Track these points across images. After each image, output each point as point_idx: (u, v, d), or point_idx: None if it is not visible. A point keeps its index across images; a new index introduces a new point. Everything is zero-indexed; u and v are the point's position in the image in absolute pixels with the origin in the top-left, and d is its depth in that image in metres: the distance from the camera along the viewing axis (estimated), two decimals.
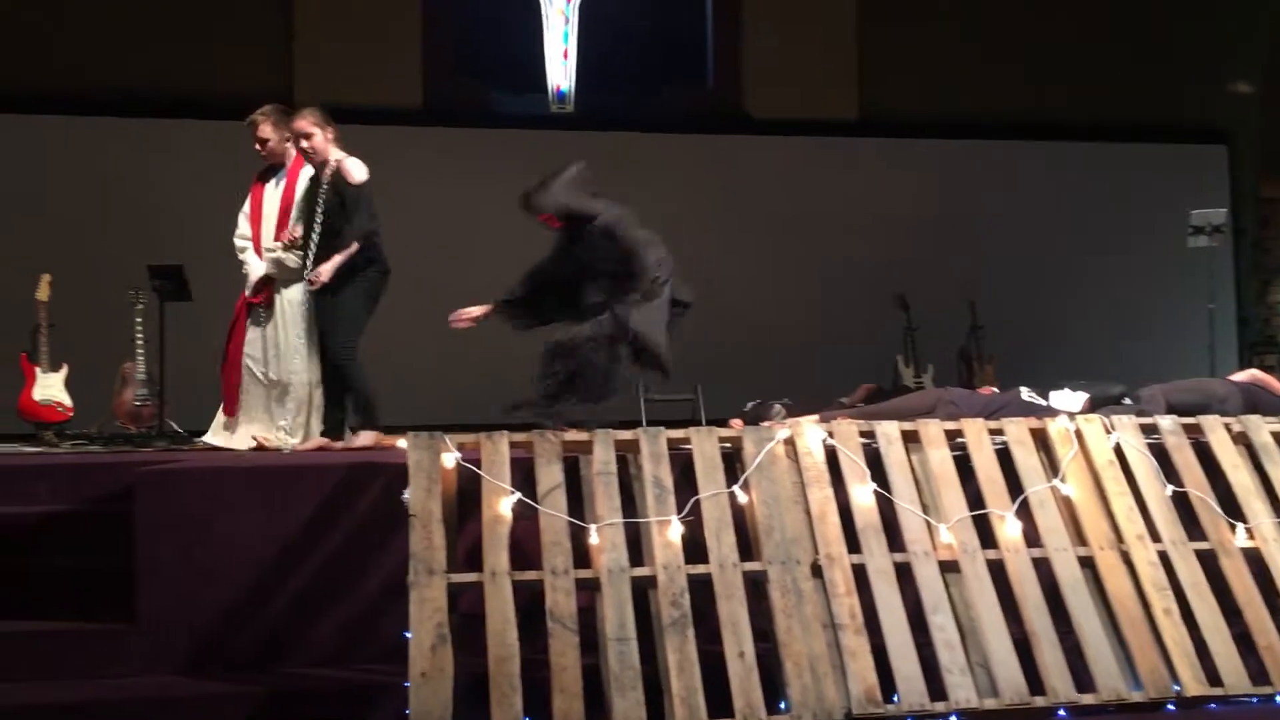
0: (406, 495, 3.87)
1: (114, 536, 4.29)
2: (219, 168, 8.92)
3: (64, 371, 7.27)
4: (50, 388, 7.21)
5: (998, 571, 4.05)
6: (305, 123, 5.77)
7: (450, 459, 3.98)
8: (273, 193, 5.98)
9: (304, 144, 5.77)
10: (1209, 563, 4.19)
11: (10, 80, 8.97)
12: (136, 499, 4.14)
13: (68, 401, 7.21)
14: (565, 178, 5.26)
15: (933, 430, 4.34)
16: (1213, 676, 3.92)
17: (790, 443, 4.23)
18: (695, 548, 3.94)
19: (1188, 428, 4.58)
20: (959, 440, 4.37)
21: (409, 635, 3.62)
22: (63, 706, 3.73)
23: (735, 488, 4.07)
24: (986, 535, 4.13)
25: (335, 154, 5.79)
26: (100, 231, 8.66)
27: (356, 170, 5.72)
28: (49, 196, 8.82)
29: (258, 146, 5.93)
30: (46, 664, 3.96)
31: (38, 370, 7.23)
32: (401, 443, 4.04)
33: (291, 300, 5.89)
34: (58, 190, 8.82)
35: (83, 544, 4.50)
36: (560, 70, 9.89)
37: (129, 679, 3.94)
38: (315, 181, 5.85)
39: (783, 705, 3.70)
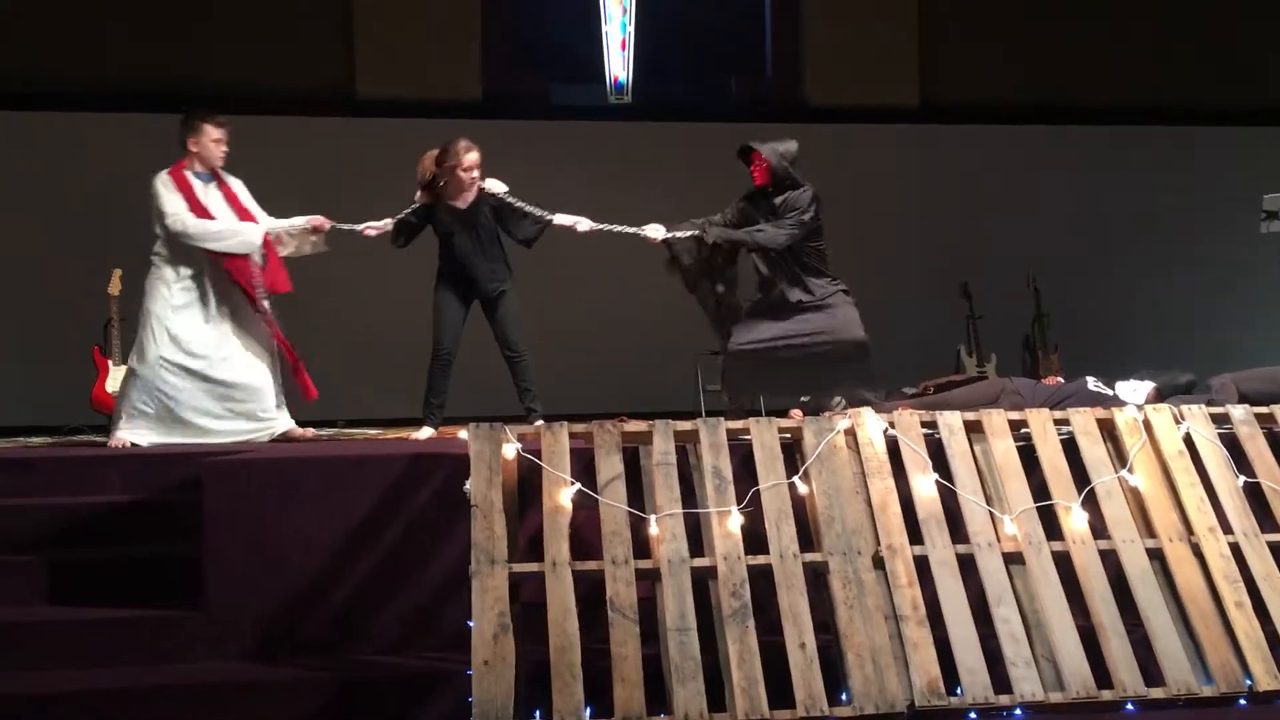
0: (468, 486, 3.91)
1: (183, 525, 4.38)
2: (284, 162, 9.07)
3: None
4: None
5: (1063, 563, 4.00)
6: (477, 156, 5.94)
7: (511, 450, 4.01)
8: (214, 192, 5.95)
9: (474, 174, 5.93)
10: None
11: (82, 79, 9.16)
12: (205, 489, 4.22)
13: None
14: (788, 147, 5.62)
15: (996, 420, 4.30)
16: None
17: (851, 433, 4.20)
18: (755, 538, 3.94)
19: (1260, 417, 4.48)
20: (1023, 430, 4.32)
21: (471, 624, 3.65)
22: (132, 691, 3.82)
23: (795, 478, 4.06)
24: (1052, 527, 4.08)
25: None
26: None
27: (499, 185, 6.01)
28: (120, 192, 8.99)
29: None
30: (117, 649, 4.05)
31: (110, 363, 7.39)
32: (463, 434, 4.07)
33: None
34: (129, 186, 8.97)
35: (153, 533, 4.60)
36: (618, 61, 9.89)
37: (197, 664, 4.03)
38: (458, 214, 5.97)
39: (844, 696, 3.69)
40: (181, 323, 5.76)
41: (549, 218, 5.91)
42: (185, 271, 5.78)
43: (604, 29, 9.87)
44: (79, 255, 8.61)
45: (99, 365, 7.40)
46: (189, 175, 5.86)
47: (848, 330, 5.43)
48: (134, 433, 5.67)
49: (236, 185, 6.00)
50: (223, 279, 5.80)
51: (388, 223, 6.02)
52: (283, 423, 5.90)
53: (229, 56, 9.35)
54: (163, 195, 5.77)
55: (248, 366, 5.82)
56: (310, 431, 6.09)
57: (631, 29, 9.87)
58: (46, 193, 8.99)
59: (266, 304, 5.85)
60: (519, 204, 5.91)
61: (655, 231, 5.64)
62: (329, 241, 6.10)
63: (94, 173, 9.01)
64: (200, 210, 5.78)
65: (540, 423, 5.15)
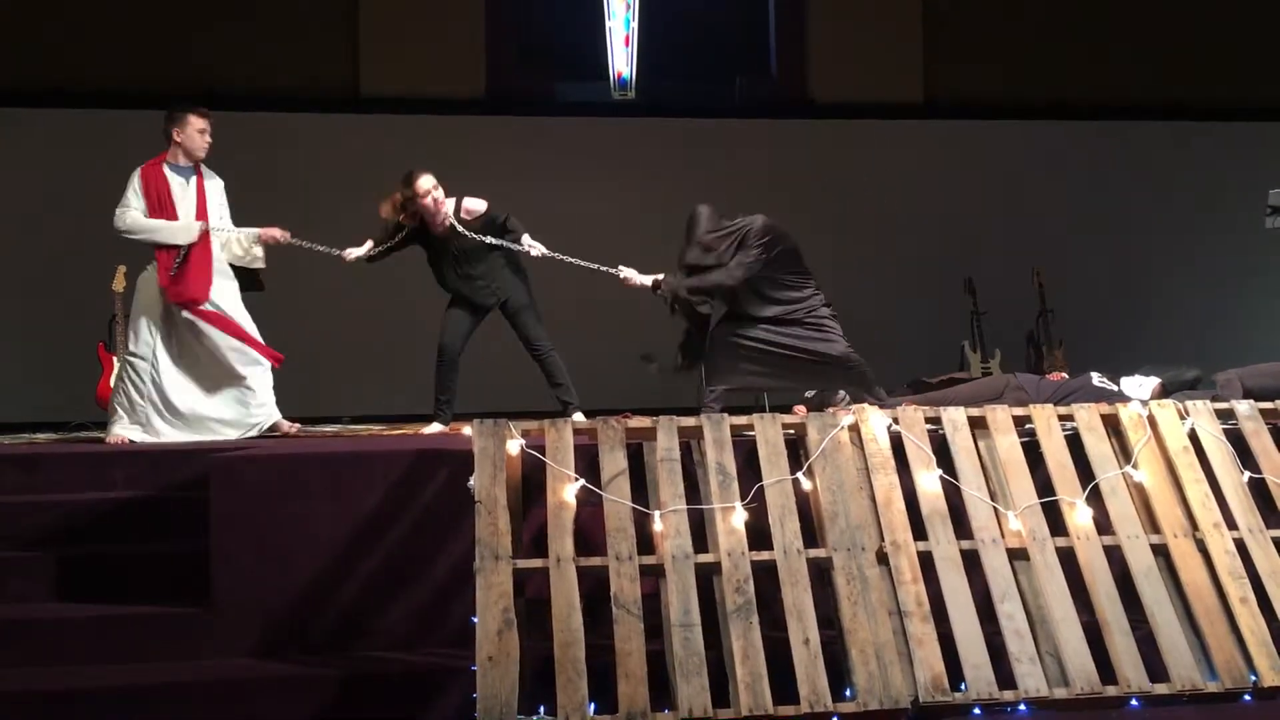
0: (472, 482, 3.91)
1: (189, 522, 4.39)
2: (288, 159, 9.09)
3: None
4: None
5: (1068, 559, 4.00)
6: (435, 188, 5.95)
7: (515, 446, 4.02)
8: (189, 188, 5.97)
9: (434, 196, 5.95)
10: None
11: (85, 75, 9.18)
12: (211, 486, 4.23)
13: None
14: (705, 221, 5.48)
15: (1000, 416, 4.29)
16: None
17: (855, 429, 4.20)
18: (759, 534, 3.94)
19: (1265, 413, 4.48)
20: (1028, 426, 4.32)
21: (476, 620, 3.66)
22: (139, 688, 3.83)
23: (799, 474, 4.06)
24: (1056, 523, 4.08)
25: (447, 205, 6.03)
26: None
27: (477, 203, 6.06)
28: (123, 189, 9.01)
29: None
30: (123, 647, 4.06)
31: (114, 359, 7.40)
32: (467, 430, 4.07)
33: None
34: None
35: (158, 530, 4.61)
36: (622, 57, 9.88)
37: (204, 661, 4.04)
38: (438, 239, 6.04)
39: (848, 692, 3.69)
40: (170, 318, 5.80)
41: (515, 247, 6.00)
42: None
43: (608, 25, 9.86)
44: (83, 252, 8.62)
45: (103, 362, 7.42)
46: (166, 170, 5.90)
47: (831, 350, 5.35)
48: (129, 429, 5.71)
49: (213, 187, 6.02)
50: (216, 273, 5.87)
51: (368, 246, 6.08)
52: (271, 415, 5.95)
53: (233, 54, 9.36)
54: (127, 189, 5.88)
55: (236, 360, 5.86)
56: (295, 427, 6.12)
57: (635, 25, 9.86)
58: (50, 189, 9.00)
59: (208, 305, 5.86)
60: (485, 239, 5.94)
61: (627, 273, 5.71)
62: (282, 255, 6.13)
63: (97, 169, 8.99)
64: (162, 209, 5.84)
65: (579, 416, 5.18)
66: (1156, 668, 3.81)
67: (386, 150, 9.14)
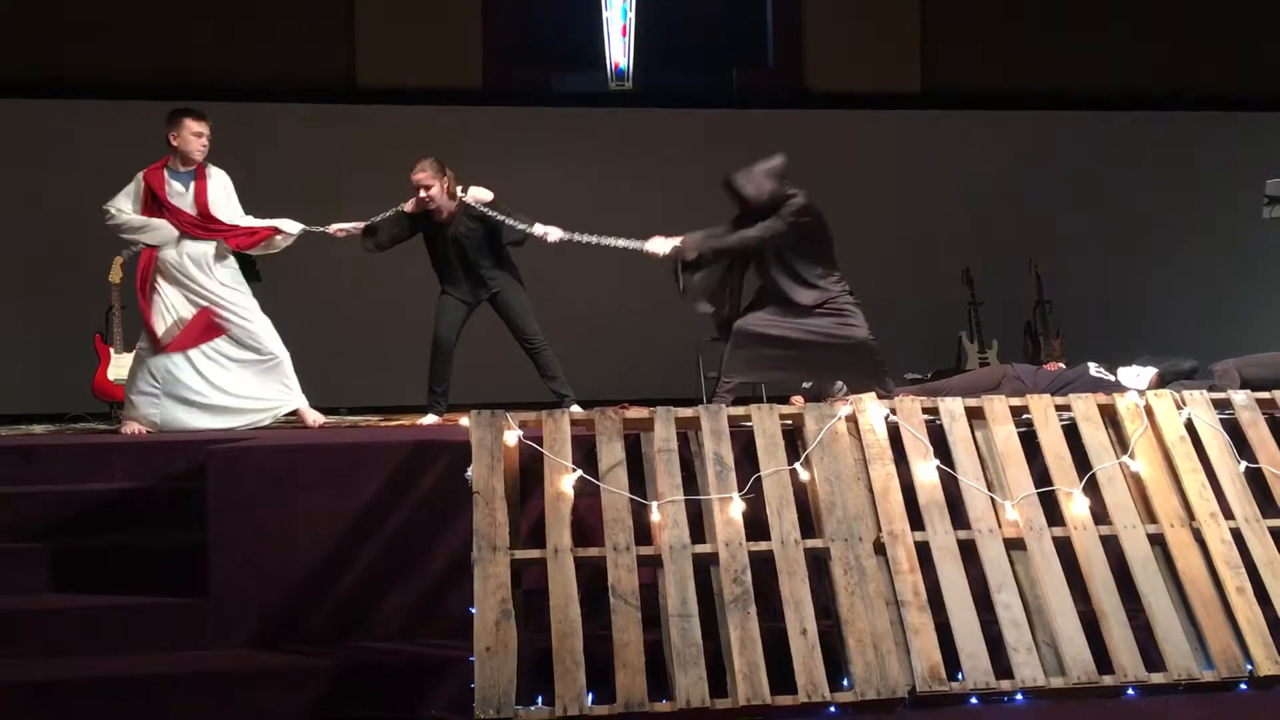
0: (470, 473, 3.91)
1: (187, 513, 4.39)
2: (285, 150, 9.07)
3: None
4: (123, 368, 7.36)
5: (1065, 549, 4.01)
6: (424, 175, 5.97)
7: (512, 437, 4.02)
8: (187, 190, 5.97)
9: (424, 191, 5.97)
10: None
11: (83, 67, 9.16)
12: (208, 476, 4.23)
13: None
14: (768, 166, 5.45)
15: (998, 406, 4.30)
16: None
17: (852, 419, 4.20)
18: (757, 525, 3.94)
19: (1262, 402, 4.48)
20: (1025, 416, 4.32)
21: (474, 611, 3.66)
22: (137, 679, 3.83)
23: (797, 465, 4.06)
24: (1053, 513, 4.08)
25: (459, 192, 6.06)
26: None
27: (484, 192, 6.09)
28: (120, 180, 8.98)
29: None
30: (121, 637, 4.06)
31: (111, 350, 7.40)
32: (464, 421, 4.07)
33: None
34: (127, 175, 8.98)
35: (156, 520, 4.60)
36: (619, 48, 9.87)
37: (201, 652, 4.03)
38: (439, 224, 6.05)
39: (846, 682, 3.70)
40: (188, 307, 5.81)
41: (527, 230, 5.98)
42: (163, 261, 5.86)
43: (605, 16, 9.85)
44: (80, 244, 8.61)
45: (100, 353, 7.42)
46: (165, 173, 5.96)
47: (855, 335, 5.38)
48: (144, 418, 5.72)
49: (215, 184, 6.01)
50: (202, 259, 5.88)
51: (358, 225, 6.07)
52: (292, 402, 5.97)
53: (229, 45, 9.34)
54: (123, 190, 5.95)
55: (255, 348, 5.86)
56: (320, 419, 6.10)
57: (632, 15, 9.85)
58: (46, 181, 8.99)
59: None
60: (497, 215, 5.98)
61: (655, 245, 5.54)
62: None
63: (94, 161, 8.99)
64: (157, 211, 5.88)
65: (575, 408, 5.18)
66: (1153, 657, 3.82)
67: (382, 141, 9.14)
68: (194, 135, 5.92)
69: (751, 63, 10.29)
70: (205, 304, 5.83)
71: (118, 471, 4.86)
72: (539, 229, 5.98)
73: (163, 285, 5.86)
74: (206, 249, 5.89)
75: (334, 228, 6.10)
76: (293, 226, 6.02)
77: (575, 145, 9.40)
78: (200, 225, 5.90)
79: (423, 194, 5.99)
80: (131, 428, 5.71)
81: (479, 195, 6.08)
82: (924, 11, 10.18)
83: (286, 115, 9.28)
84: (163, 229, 5.87)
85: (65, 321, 8.39)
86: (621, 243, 5.67)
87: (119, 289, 7.46)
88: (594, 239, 5.76)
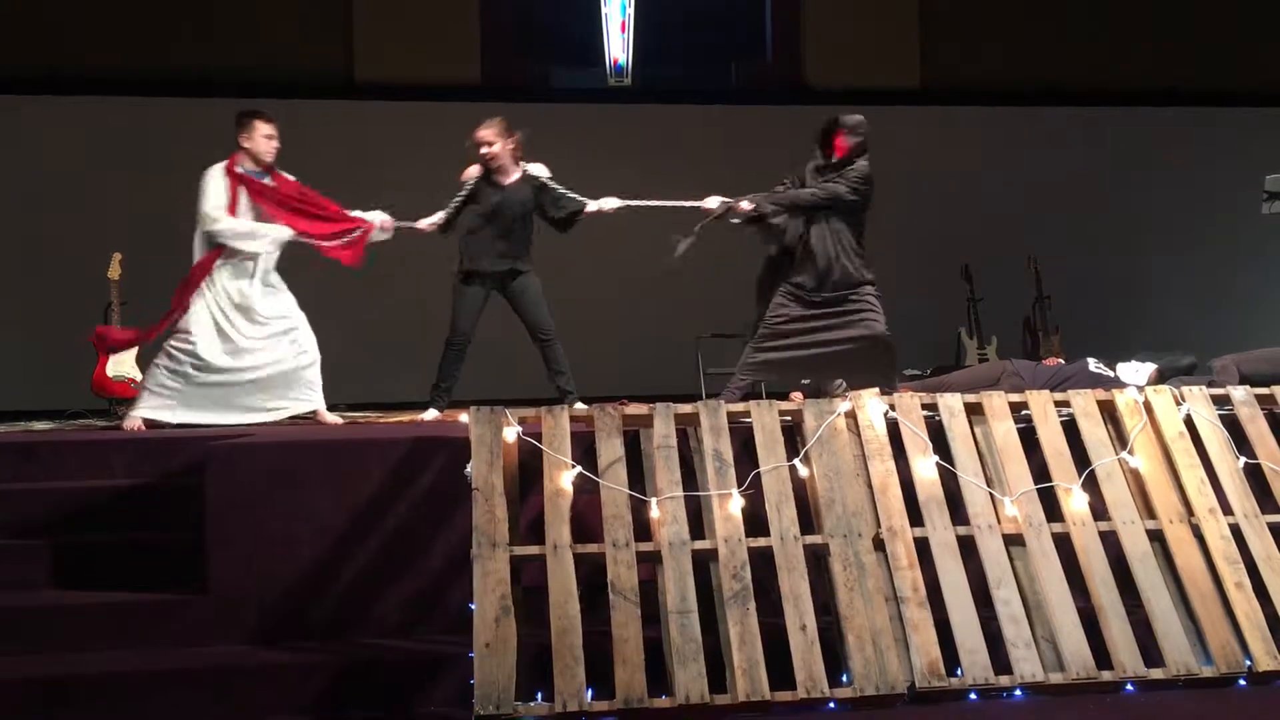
0: (469, 469, 3.91)
1: (186, 509, 4.39)
2: (282, 146, 9.05)
3: (135, 348, 7.43)
4: (122, 364, 7.37)
5: (1064, 545, 4.01)
6: (487, 133, 6.01)
7: (512, 433, 4.02)
8: (267, 189, 5.97)
9: (485, 149, 6.00)
10: None
11: (79, 64, 9.14)
12: (208, 473, 4.23)
13: (139, 377, 7.36)
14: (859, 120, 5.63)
15: (997, 402, 4.30)
16: None
17: (851, 415, 4.20)
18: (756, 521, 3.95)
19: (1261, 398, 4.48)
20: (1024, 412, 4.32)
21: (473, 607, 3.66)
22: (137, 675, 3.83)
23: (796, 461, 4.06)
24: (1052, 508, 4.09)
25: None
26: (168, 210, 8.79)
27: (540, 167, 6.13)
28: (118, 176, 9.00)
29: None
30: (121, 633, 4.06)
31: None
32: (464, 417, 4.07)
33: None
34: (127, 170, 8.99)
35: (156, 517, 4.61)
36: (618, 43, 9.86)
37: (201, 648, 4.04)
38: (494, 185, 6.06)
39: (845, 678, 3.70)
40: (228, 305, 5.82)
41: (584, 202, 6.01)
42: (229, 260, 5.85)
43: (603, 11, 9.84)
44: (80, 240, 8.61)
45: (99, 349, 7.40)
46: (240, 171, 5.92)
47: (875, 329, 5.41)
48: (156, 410, 5.73)
49: (289, 178, 6.04)
50: (265, 263, 5.90)
51: (439, 217, 6.07)
52: (310, 404, 5.99)
53: (227, 40, 9.33)
54: (207, 191, 5.84)
55: (286, 349, 5.90)
56: (337, 420, 6.12)
57: (631, 11, 9.84)
58: (45, 177, 8.98)
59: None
60: (558, 188, 6.01)
61: (713, 203, 5.62)
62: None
63: (92, 157, 9.00)
64: (241, 208, 5.86)
65: (579, 405, 5.18)
66: (1152, 653, 3.82)
67: (380, 137, 9.13)
68: (265, 137, 5.95)
69: (750, 58, 10.28)
70: (248, 316, 5.85)
71: (118, 468, 4.86)
72: (593, 203, 6.01)
73: (215, 288, 5.84)
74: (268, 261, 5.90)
75: (424, 223, 6.07)
76: (382, 220, 6.02)
77: (574, 141, 9.36)
78: (298, 205, 5.91)
79: (483, 150, 5.97)
80: (134, 424, 5.70)
81: (536, 171, 6.09)
82: (923, 6, 10.17)
83: (284, 111, 9.18)
84: (273, 232, 5.87)
85: (64, 318, 8.38)
86: (677, 203, 5.75)
87: (117, 285, 7.45)
88: (649, 203, 5.84)
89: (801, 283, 5.44)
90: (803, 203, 5.45)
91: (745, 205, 5.52)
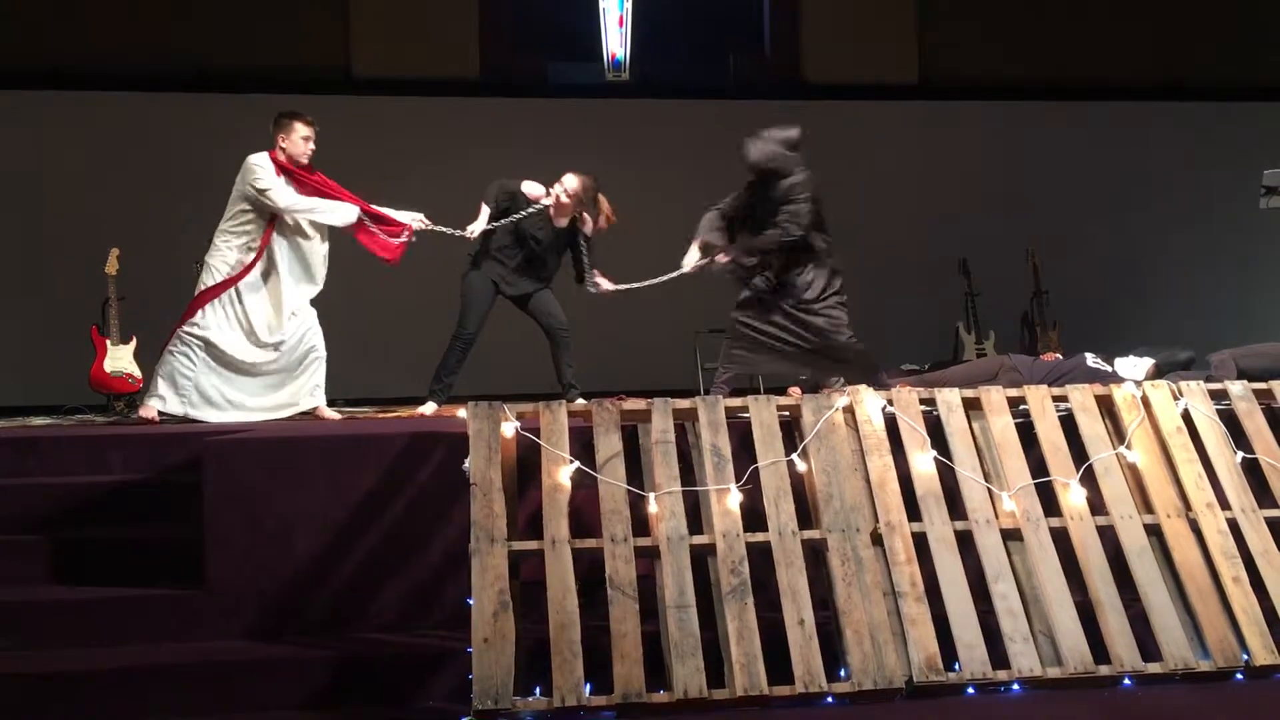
0: (467, 464, 3.91)
1: (184, 505, 4.39)
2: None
3: (133, 344, 7.44)
4: (120, 359, 7.38)
5: (1061, 539, 4.01)
6: (577, 187, 6.04)
7: (510, 428, 4.02)
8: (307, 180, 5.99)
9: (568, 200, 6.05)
10: None
11: (78, 57, 9.13)
12: (205, 468, 4.22)
13: (137, 373, 7.37)
14: (784, 135, 5.63)
15: (995, 397, 4.30)
16: None
17: (849, 410, 4.20)
18: (754, 516, 3.95)
19: (1259, 393, 4.48)
20: (1022, 407, 4.32)
21: (471, 602, 3.66)
22: (135, 670, 3.83)
23: (794, 456, 4.06)
24: (1050, 503, 4.09)
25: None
26: (166, 205, 8.80)
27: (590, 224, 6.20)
28: (115, 172, 8.99)
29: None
30: (120, 629, 4.06)
31: (108, 342, 7.40)
32: (461, 412, 4.07)
33: None
34: (124, 166, 8.99)
35: (154, 512, 4.61)
36: (616, 38, 9.86)
37: (199, 643, 4.04)
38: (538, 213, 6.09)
39: (843, 673, 3.70)
40: (241, 300, 5.83)
41: (584, 274, 6.12)
42: (246, 254, 5.87)
43: (602, 6, 9.84)
44: (77, 235, 8.61)
45: (97, 345, 7.41)
46: (284, 159, 5.96)
47: (836, 337, 5.48)
48: (166, 404, 5.75)
49: (331, 181, 6.09)
50: (278, 258, 5.91)
51: (485, 217, 6.08)
52: (311, 402, 6.04)
53: (224, 34, 9.32)
54: (259, 173, 5.85)
55: (296, 347, 5.94)
56: (336, 416, 6.13)
57: (629, 6, 9.83)
58: (43, 172, 8.97)
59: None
60: (585, 251, 6.11)
61: (689, 261, 5.71)
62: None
63: (90, 151, 8.99)
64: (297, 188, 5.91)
65: (580, 401, 5.20)
66: (1149, 647, 3.82)
67: (378, 132, 9.12)
68: (303, 139, 5.98)
69: (748, 53, 10.27)
70: (268, 311, 5.88)
71: (115, 464, 4.86)
72: (589, 282, 6.10)
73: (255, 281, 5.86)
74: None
75: (470, 230, 6.06)
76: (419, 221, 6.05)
77: (571, 135, 9.38)
78: (338, 193, 5.94)
79: (563, 198, 6.00)
80: (150, 412, 5.75)
81: (587, 227, 6.15)
82: (921, 1, 10.16)
83: (282, 106, 9.24)
84: (341, 209, 5.91)
85: (61, 313, 8.38)
86: (664, 278, 5.82)
87: (115, 280, 7.45)
88: (636, 285, 5.96)
89: (762, 286, 5.55)
90: (772, 246, 5.48)
91: (722, 259, 5.61)
